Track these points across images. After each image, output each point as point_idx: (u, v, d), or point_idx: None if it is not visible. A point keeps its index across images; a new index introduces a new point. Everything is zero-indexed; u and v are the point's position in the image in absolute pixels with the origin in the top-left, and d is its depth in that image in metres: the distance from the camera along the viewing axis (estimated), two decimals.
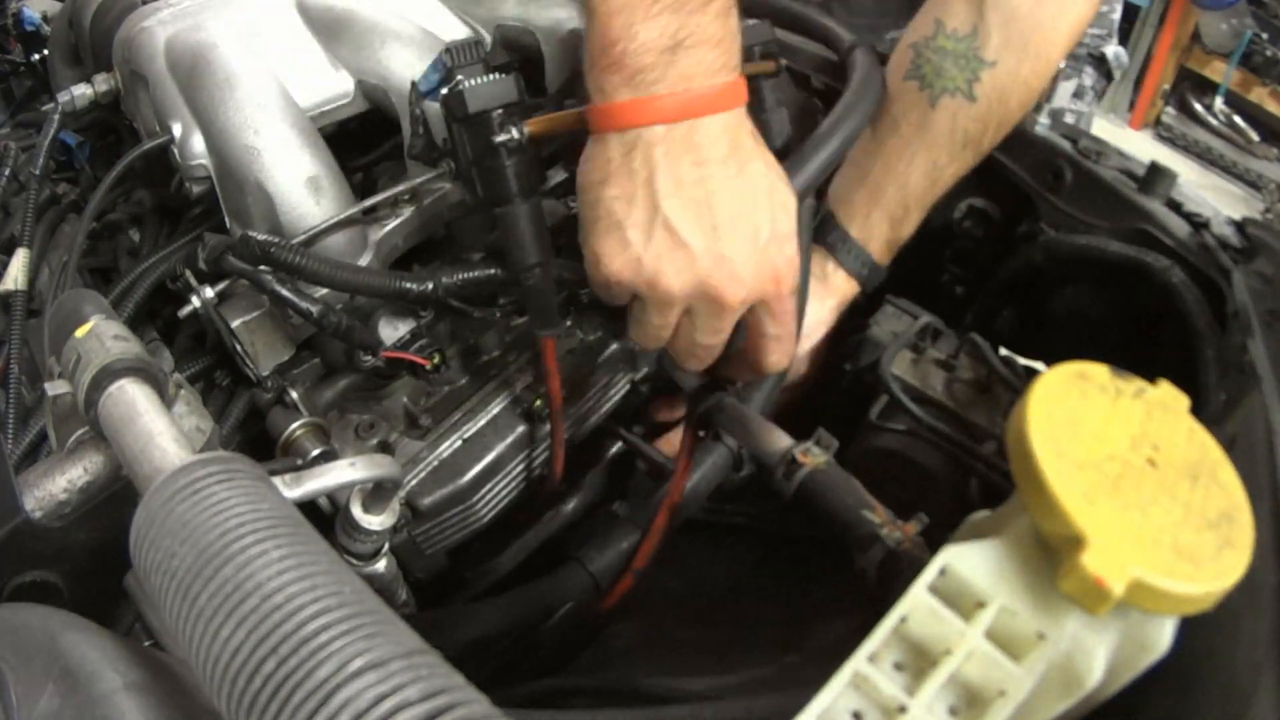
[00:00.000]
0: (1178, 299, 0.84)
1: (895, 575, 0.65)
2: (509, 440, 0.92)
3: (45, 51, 1.25)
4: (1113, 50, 1.78)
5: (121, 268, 1.02)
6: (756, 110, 1.01)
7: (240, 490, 0.47)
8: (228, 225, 0.87)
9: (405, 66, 0.89)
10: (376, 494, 0.69)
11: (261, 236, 0.76)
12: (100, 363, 0.59)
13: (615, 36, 0.65)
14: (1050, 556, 0.46)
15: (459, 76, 0.77)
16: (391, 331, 0.88)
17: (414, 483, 0.87)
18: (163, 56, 0.89)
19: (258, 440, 0.86)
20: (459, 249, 0.97)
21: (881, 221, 1.02)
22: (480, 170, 0.80)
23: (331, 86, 0.92)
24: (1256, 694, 0.47)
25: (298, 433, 0.81)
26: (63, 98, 0.98)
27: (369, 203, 0.84)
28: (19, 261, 0.96)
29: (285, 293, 0.77)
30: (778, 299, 0.73)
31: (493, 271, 0.85)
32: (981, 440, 0.89)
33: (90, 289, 0.73)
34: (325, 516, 0.76)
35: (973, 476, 0.90)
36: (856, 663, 0.45)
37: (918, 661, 0.46)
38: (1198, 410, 0.53)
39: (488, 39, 1.01)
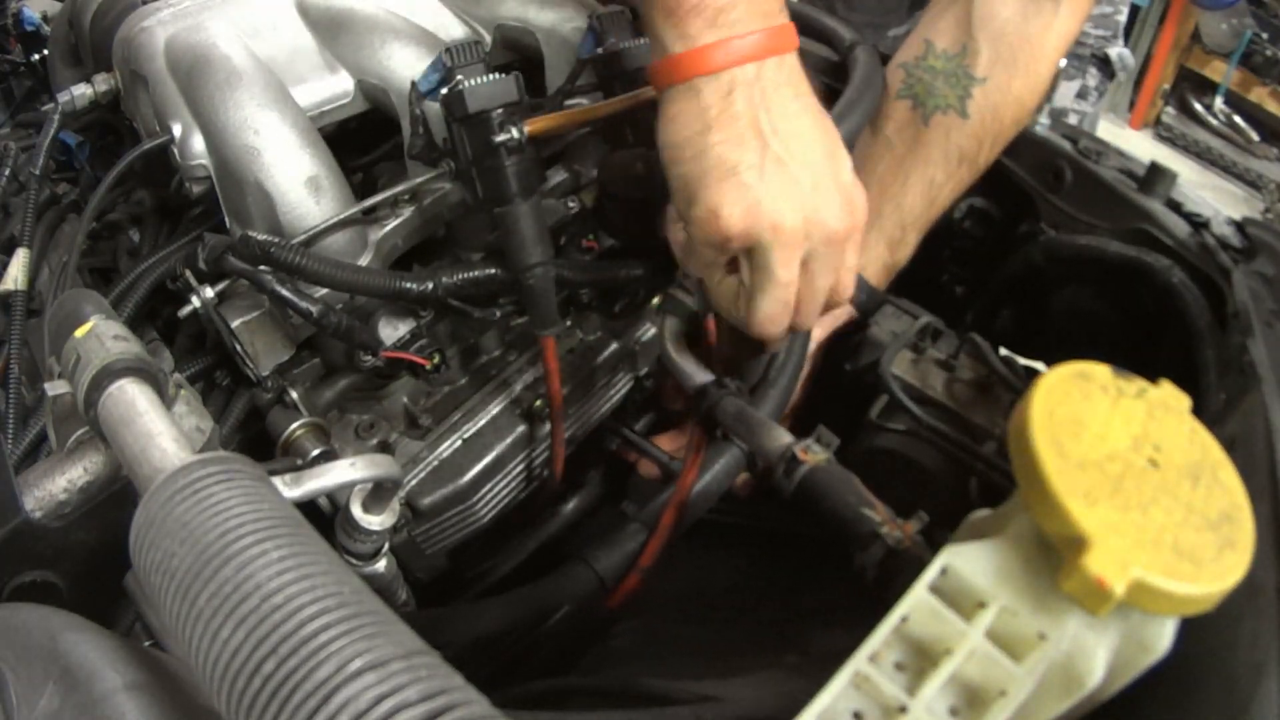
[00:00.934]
0: (1178, 299, 0.84)
1: (895, 574, 0.65)
2: (509, 440, 0.92)
3: (45, 51, 1.25)
4: (1117, 51, 1.78)
5: (121, 268, 1.02)
6: None
7: (240, 490, 0.47)
8: (228, 225, 0.87)
9: (405, 66, 0.89)
10: (376, 494, 0.69)
11: (261, 236, 0.76)
12: (100, 363, 0.59)
13: None
14: (1051, 557, 0.46)
15: (459, 76, 0.77)
16: (391, 331, 0.88)
17: (414, 483, 0.87)
18: (163, 56, 0.89)
19: (258, 440, 0.86)
20: (459, 249, 0.96)
21: (878, 244, 1.02)
22: (480, 170, 0.80)
23: (331, 86, 0.92)
24: (1257, 695, 0.47)
25: (298, 433, 0.81)
26: (63, 98, 0.98)
27: (369, 203, 0.84)
28: (19, 261, 0.96)
29: (285, 293, 0.77)
30: (861, 229, 0.74)
31: (493, 271, 0.85)
32: (981, 440, 0.89)
33: (90, 289, 0.73)
34: (325, 516, 0.76)
35: (973, 476, 0.90)
36: (857, 662, 0.45)
37: (918, 661, 0.46)
38: (1198, 410, 0.53)
39: (488, 39, 1.01)
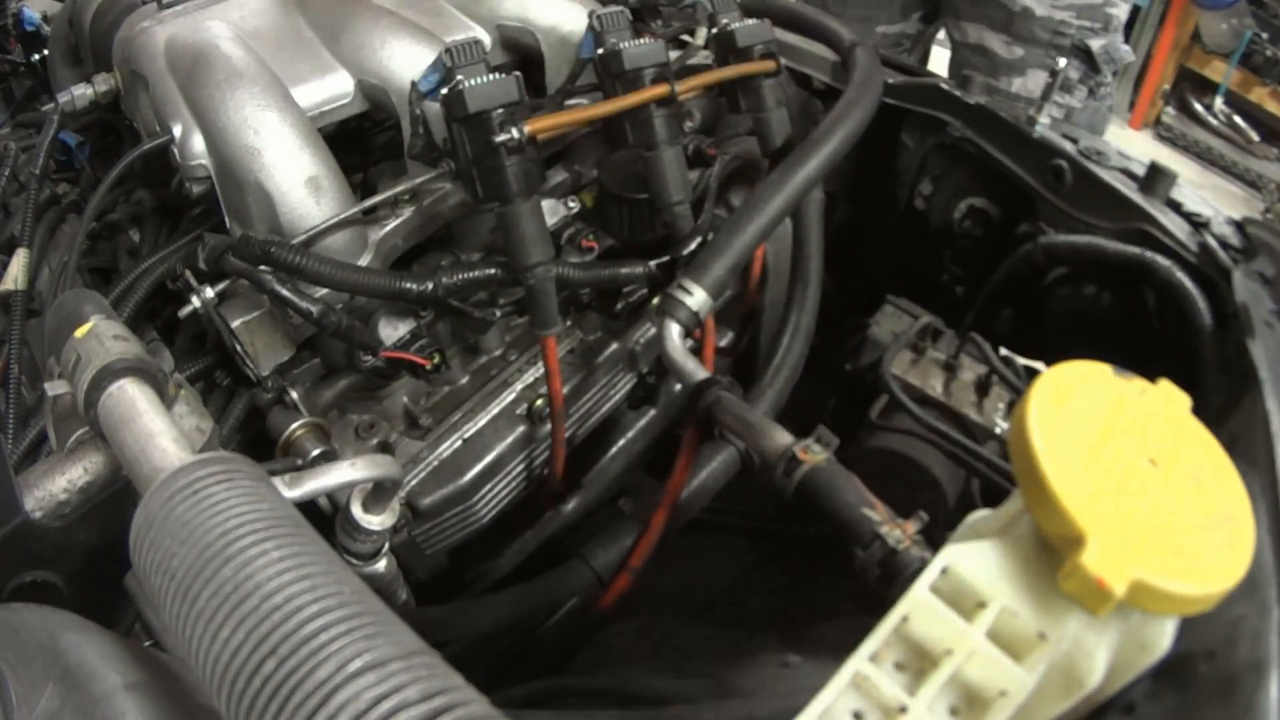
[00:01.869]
0: (1178, 299, 0.83)
1: (896, 574, 0.64)
2: (509, 440, 0.92)
3: (45, 51, 1.25)
4: (1100, 44, 1.75)
5: (121, 268, 1.02)
6: (757, 110, 1.01)
7: (240, 490, 0.47)
8: (228, 225, 0.87)
9: (405, 66, 0.89)
10: (376, 494, 0.69)
11: (261, 236, 0.76)
12: (100, 363, 0.59)
13: None
14: (1051, 556, 0.46)
15: (459, 76, 0.77)
16: (391, 331, 0.88)
17: (414, 483, 0.87)
18: (163, 56, 0.89)
19: (258, 440, 0.86)
20: (459, 249, 0.97)
21: None
22: (480, 170, 0.80)
23: (331, 86, 0.92)
24: (1257, 695, 0.47)
25: (298, 433, 0.81)
26: (63, 98, 0.98)
27: (369, 203, 0.84)
28: (19, 261, 0.96)
29: (285, 293, 0.77)
30: None
31: (493, 271, 0.85)
32: (981, 440, 0.89)
33: (90, 289, 0.73)
34: (325, 516, 0.76)
35: (973, 476, 0.90)
36: (857, 662, 0.45)
37: (919, 661, 0.46)
38: (1198, 410, 0.53)
39: (488, 39, 1.01)
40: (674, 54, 0.97)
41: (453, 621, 0.79)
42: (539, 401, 0.94)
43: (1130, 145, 1.40)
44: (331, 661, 0.38)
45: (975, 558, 0.48)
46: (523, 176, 0.80)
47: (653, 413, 1.08)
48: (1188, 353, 0.82)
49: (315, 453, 0.79)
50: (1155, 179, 0.91)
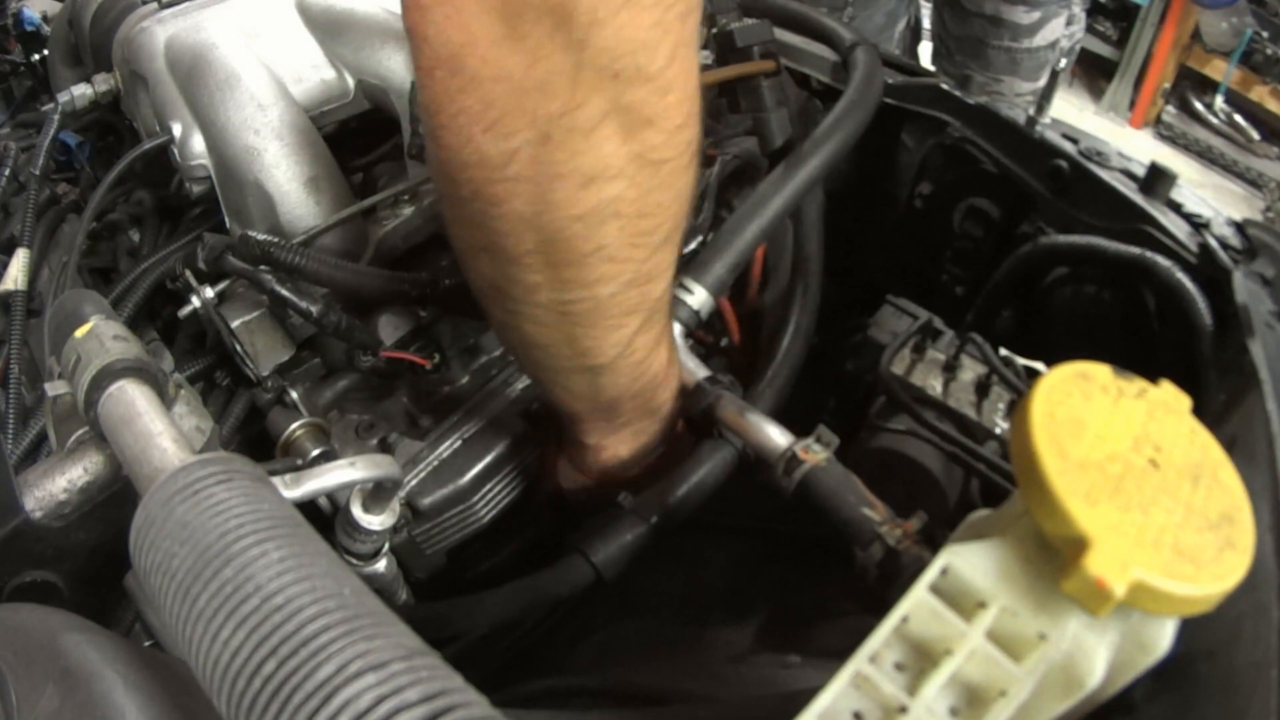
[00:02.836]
0: (1178, 299, 0.83)
1: (895, 574, 0.65)
2: (509, 440, 0.92)
3: (45, 51, 1.25)
4: None
5: (121, 268, 1.02)
6: (757, 110, 1.01)
7: (240, 491, 0.46)
8: (228, 225, 0.87)
9: (405, 66, 0.89)
10: (376, 494, 0.69)
11: (261, 236, 0.76)
12: (100, 363, 0.59)
13: None
14: (1052, 557, 0.46)
15: None
16: (391, 331, 0.88)
17: (414, 483, 0.87)
18: (163, 56, 0.89)
19: (258, 440, 0.86)
20: None
21: None
22: None
23: (331, 86, 0.92)
24: (1257, 695, 0.47)
25: (298, 433, 0.81)
26: (63, 98, 0.98)
27: (369, 203, 0.84)
28: (19, 261, 0.96)
29: (285, 293, 0.77)
30: None
31: None
32: (981, 440, 0.89)
33: (90, 289, 0.73)
34: (325, 516, 0.76)
35: (973, 476, 0.90)
36: (857, 663, 0.45)
37: (919, 661, 0.46)
38: (1198, 410, 0.53)
39: None
40: None
41: (451, 617, 0.79)
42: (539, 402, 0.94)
43: (1130, 144, 1.40)
44: (332, 662, 0.38)
45: (975, 558, 0.48)
46: None
47: None
48: (1188, 353, 0.81)
49: (315, 453, 0.79)
50: (1155, 179, 0.91)
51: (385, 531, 0.71)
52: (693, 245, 0.94)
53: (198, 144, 0.85)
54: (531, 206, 0.55)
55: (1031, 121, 1.01)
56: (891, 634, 0.46)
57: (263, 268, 0.77)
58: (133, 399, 0.58)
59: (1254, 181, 3.75)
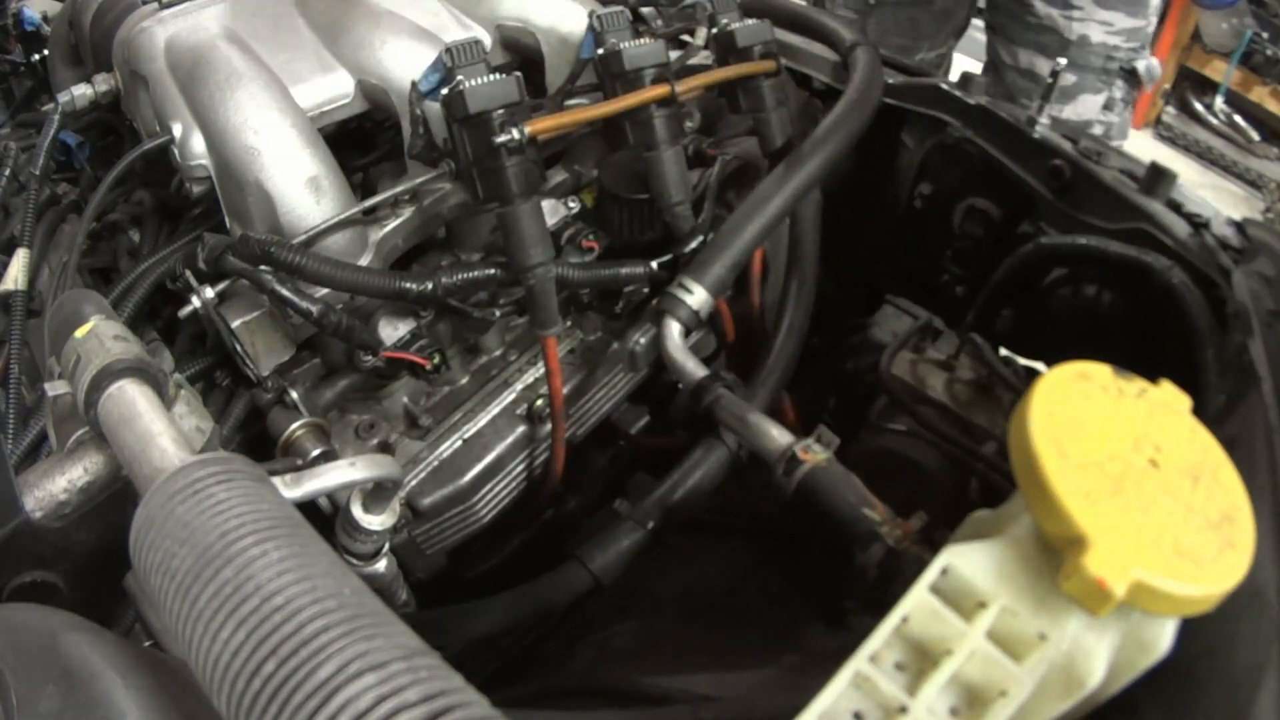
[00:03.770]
0: (1178, 299, 0.83)
1: (896, 574, 0.65)
2: (509, 440, 0.92)
3: (45, 51, 1.25)
4: (1145, 64, 1.80)
5: (121, 268, 1.02)
6: (757, 110, 1.01)
7: (240, 491, 0.46)
8: (228, 225, 0.87)
9: (405, 66, 0.89)
10: (376, 494, 0.69)
11: (261, 236, 0.76)
12: (100, 363, 0.59)
13: None
14: (1052, 557, 0.46)
15: (459, 76, 0.77)
16: (391, 331, 0.88)
17: (414, 483, 0.87)
18: (163, 56, 0.89)
19: (258, 440, 0.86)
20: (459, 249, 0.97)
21: None
22: (480, 170, 0.80)
23: (331, 86, 0.92)
24: (1257, 695, 0.47)
25: (298, 433, 0.81)
26: (63, 98, 0.98)
27: (369, 203, 0.84)
28: (19, 261, 0.96)
29: (285, 293, 0.77)
30: None
31: (493, 271, 0.85)
32: (981, 440, 0.89)
33: (90, 289, 0.73)
34: (325, 516, 0.76)
35: (973, 476, 0.90)
36: (858, 663, 0.45)
37: (919, 661, 0.46)
38: (1198, 410, 0.53)
39: (488, 39, 1.01)
40: (674, 54, 0.97)
41: (447, 626, 0.79)
42: (539, 401, 0.94)
43: (1130, 145, 1.40)
44: (332, 662, 0.38)
45: (975, 558, 0.48)
46: (523, 177, 0.80)
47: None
48: (1188, 353, 0.81)
49: (315, 453, 0.79)
50: (1155, 179, 0.91)
51: (385, 531, 0.71)
52: (693, 245, 0.94)
53: (198, 144, 0.84)
54: None
55: (1031, 121, 1.01)
56: (891, 634, 0.46)
57: (263, 268, 0.77)
58: (133, 399, 0.58)
59: (1254, 182, 3.75)
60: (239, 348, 0.82)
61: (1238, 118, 3.84)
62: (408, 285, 0.81)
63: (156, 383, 0.61)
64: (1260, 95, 3.73)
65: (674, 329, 0.90)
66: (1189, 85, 3.99)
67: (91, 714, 0.44)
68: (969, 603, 0.47)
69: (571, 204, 1.00)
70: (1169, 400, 0.52)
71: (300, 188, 0.82)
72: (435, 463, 0.89)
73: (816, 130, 0.95)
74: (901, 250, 1.18)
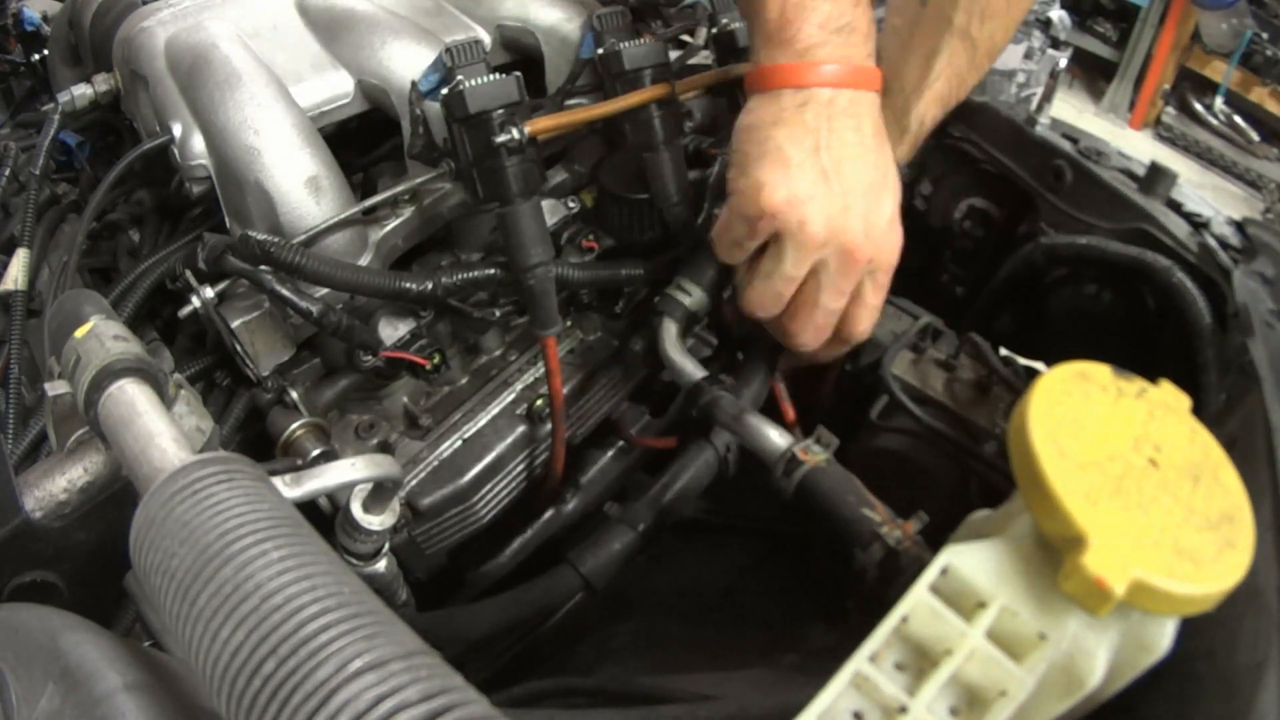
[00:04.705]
0: (1178, 299, 0.83)
1: (896, 574, 0.65)
2: (509, 440, 0.92)
3: (45, 51, 1.25)
4: (1056, 14, 1.88)
5: (121, 268, 1.02)
6: None
7: (240, 491, 0.46)
8: (228, 225, 0.87)
9: (405, 66, 0.89)
10: (376, 494, 0.69)
11: (261, 236, 0.76)
12: (100, 363, 0.59)
13: (790, 18, 0.77)
14: (1051, 557, 0.46)
15: (459, 76, 0.77)
16: (391, 331, 0.88)
17: (414, 483, 0.87)
18: (163, 56, 0.89)
19: (258, 440, 0.86)
20: (459, 249, 0.96)
21: (891, 123, 1.01)
22: (480, 170, 0.80)
23: (331, 86, 0.92)
24: (1257, 695, 0.47)
25: (298, 433, 0.81)
26: (63, 98, 0.98)
27: (369, 203, 0.84)
28: (19, 261, 0.96)
29: (285, 293, 0.77)
30: (885, 271, 0.82)
31: (493, 271, 0.85)
32: (981, 440, 0.89)
33: (90, 289, 0.73)
34: (325, 516, 0.76)
35: (973, 476, 0.90)
36: (857, 662, 0.45)
37: (919, 661, 0.46)
38: (1198, 410, 0.53)
39: (488, 39, 1.01)
40: (674, 54, 0.97)
41: (440, 629, 0.79)
42: (539, 401, 0.94)
43: (1130, 145, 1.40)
44: (331, 662, 0.38)
45: (975, 558, 0.48)
46: (523, 177, 0.80)
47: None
48: (1188, 353, 0.81)
49: (315, 453, 0.79)
50: (1155, 179, 0.91)
51: (385, 531, 0.71)
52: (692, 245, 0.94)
53: (198, 144, 0.84)
54: None
55: (1031, 121, 1.01)
56: (891, 634, 0.46)
57: (263, 268, 0.77)
58: (133, 399, 0.58)
59: (1253, 183, 3.76)
60: (239, 348, 0.82)
61: (1238, 118, 3.84)
62: (408, 285, 0.81)
63: (156, 383, 0.61)
64: (1260, 96, 3.73)
65: (671, 330, 0.90)
66: (1189, 85, 4.00)
67: (91, 714, 0.44)
68: (969, 603, 0.47)
69: (571, 204, 1.00)
70: (1169, 400, 0.52)
71: (300, 187, 0.82)
72: (435, 463, 0.89)
73: None
74: (902, 250, 1.18)
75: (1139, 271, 0.87)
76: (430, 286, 0.82)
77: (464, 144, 0.79)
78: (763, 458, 0.77)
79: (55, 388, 0.62)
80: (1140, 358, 0.68)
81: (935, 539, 0.64)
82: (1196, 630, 0.47)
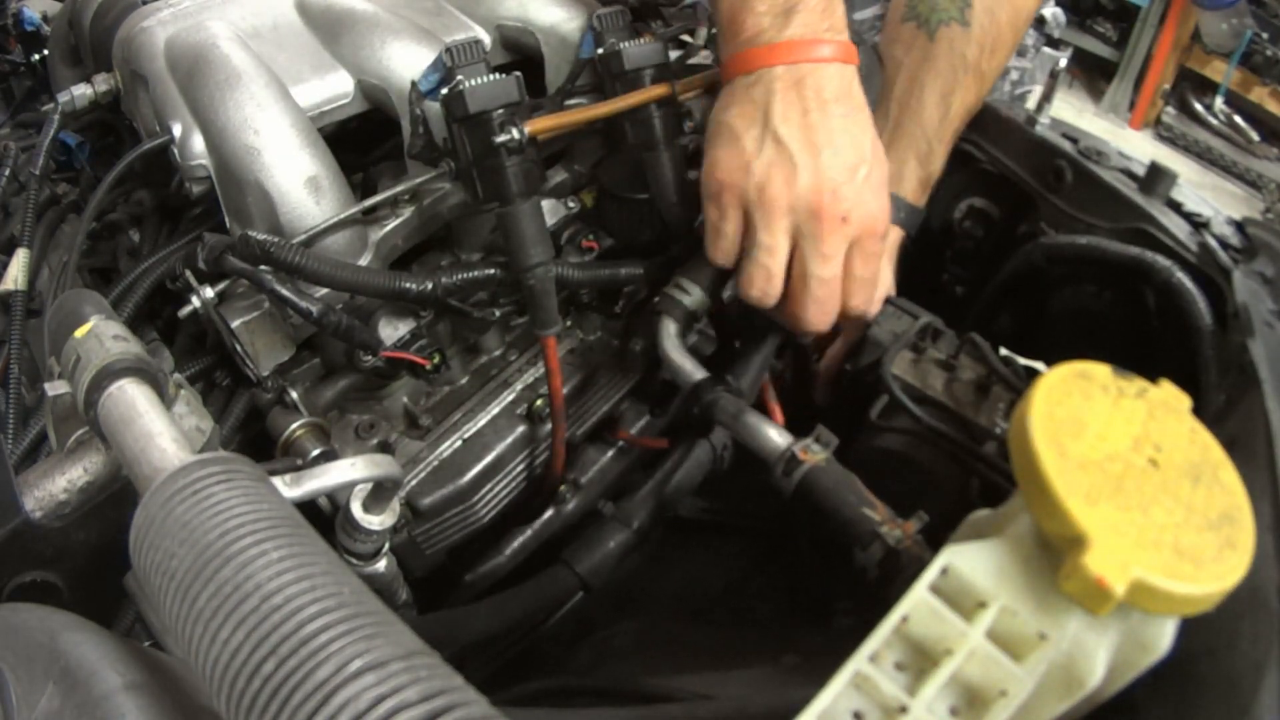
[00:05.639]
0: (1178, 299, 0.83)
1: (896, 573, 0.65)
2: (509, 440, 0.92)
3: (45, 51, 1.25)
4: (1050, 11, 1.88)
5: (121, 268, 1.02)
6: None
7: (240, 491, 0.47)
8: (228, 225, 0.87)
9: (405, 66, 0.89)
10: (376, 494, 0.69)
11: (261, 236, 0.76)
12: (100, 363, 0.59)
13: (736, 11, 0.80)
14: (1052, 556, 0.46)
15: (459, 76, 0.77)
16: (391, 331, 0.88)
17: (414, 483, 0.87)
18: (163, 56, 0.89)
19: (258, 440, 0.86)
20: (459, 249, 0.96)
21: (909, 159, 1.04)
22: (480, 170, 0.80)
23: (331, 86, 0.92)
24: (1258, 695, 0.47)
25: (298, 433, 0.81)
26: (63, 98, 0.98)
27: (369, 203, 0.84)
28: (19, 261, 0.96)
29: (285, 293, 0.77)
30: (870, 237, 0.81)
31: (493, 271, 0.85)
32: (981, 440, 0.89)
33: (90, 289, 0.73)
34: (325, 516, 0.76)
35: (973, 476, 0.90)
36: (857, 662, 0.45)
37: (919, 661, 0.46)
38: (1198, 410, 0.53)
39: (488, 39, 1.01)
40: (674, 54, 0.97)
41: (440, 629, 0.79)
42: (539, 401, 0.94)
43: (1130, 145, 1.40)
44: (331, 662, 0.38)
45: (975, 558, 0.48)
46: (523, 177, 0.80)
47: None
48: (1188, 353, 0.81)
49: (315, 453, 0.79)
50: (1155, 179, 0.91)
51: (385, 531, 0.71)
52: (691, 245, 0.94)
53: (198, 144, 0.84)
54: None
55: (1032, 121, 1.01)
56: (891, 634, 0.46)
57: (263, 268, 0.77)
58: (133, 399, 0.58)
59: (1253, 182, 3.76)
60: (239, 348, 0.82)
61: (1238, 118, 3.84)
62: (408, 285, 0.81)
63: (156, 382, 0.61)
64: (1260, 95, 3.73)
65: (671, 329, 0.90)
66: (1189, 85, 4.00)
67: (91, 714, 0.44)
68: (969, 602, 0.47)
69: (571, 204, 1.00)
70: (1169, 400, 0.52)
71: (300, 187, 0.82)
72: (435, 462, 0.89)
73: None
74: (902, 250, 1.18)
75: (1139, 271, 0.87)
76: (430, 286, 0.82)
77: (464, 144, 0.79)
78: (763, 457, 0.77)
79: (55, 388, 0.62)
80: (1140, 358, 0.68)
81: (935, 539, 0.64)
82: (1196, 630, 0.47)
